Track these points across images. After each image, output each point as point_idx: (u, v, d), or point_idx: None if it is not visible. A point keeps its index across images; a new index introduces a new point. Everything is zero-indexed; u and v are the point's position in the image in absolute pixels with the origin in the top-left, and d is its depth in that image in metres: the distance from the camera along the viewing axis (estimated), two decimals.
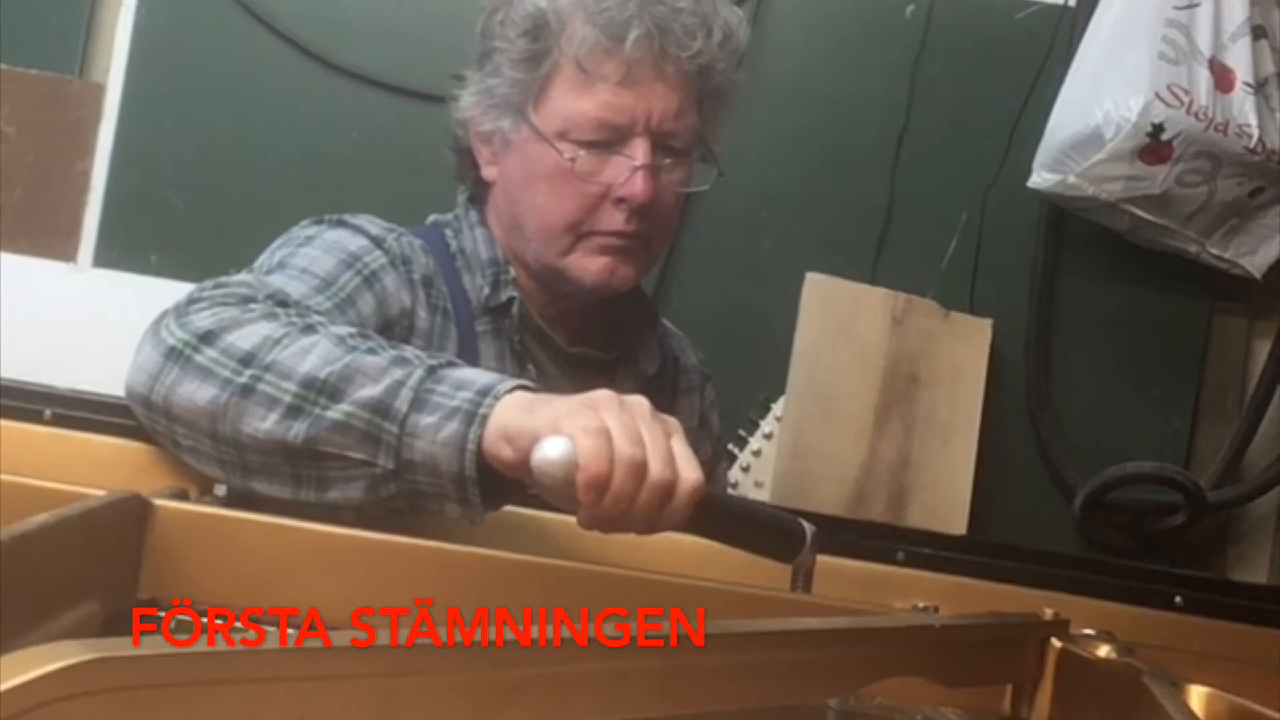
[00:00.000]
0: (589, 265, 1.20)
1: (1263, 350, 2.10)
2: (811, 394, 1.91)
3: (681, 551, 0.91)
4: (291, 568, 0.75)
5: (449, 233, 1.26)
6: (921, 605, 0.92)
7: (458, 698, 0.51)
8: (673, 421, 0.81)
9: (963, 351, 1.97)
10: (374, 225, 1.19)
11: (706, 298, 1.99)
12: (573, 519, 0.89)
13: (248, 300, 0.93)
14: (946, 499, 1.93)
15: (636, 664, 0.58)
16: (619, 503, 0.76)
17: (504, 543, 0.82)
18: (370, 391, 0.83)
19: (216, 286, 0.96)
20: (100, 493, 0.72)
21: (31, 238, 1.95)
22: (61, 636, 0.44)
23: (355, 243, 1.15)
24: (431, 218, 1.29)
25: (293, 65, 1.99)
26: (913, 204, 2.05)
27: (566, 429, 0.76)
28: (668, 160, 1.20)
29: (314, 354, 0.85)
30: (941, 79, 2.06)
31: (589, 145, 1.16)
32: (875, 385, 1.93)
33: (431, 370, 0.84)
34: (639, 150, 1.16)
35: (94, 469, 0.86)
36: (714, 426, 1.51)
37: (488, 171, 1.25)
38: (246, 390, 0.85)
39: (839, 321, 1.93)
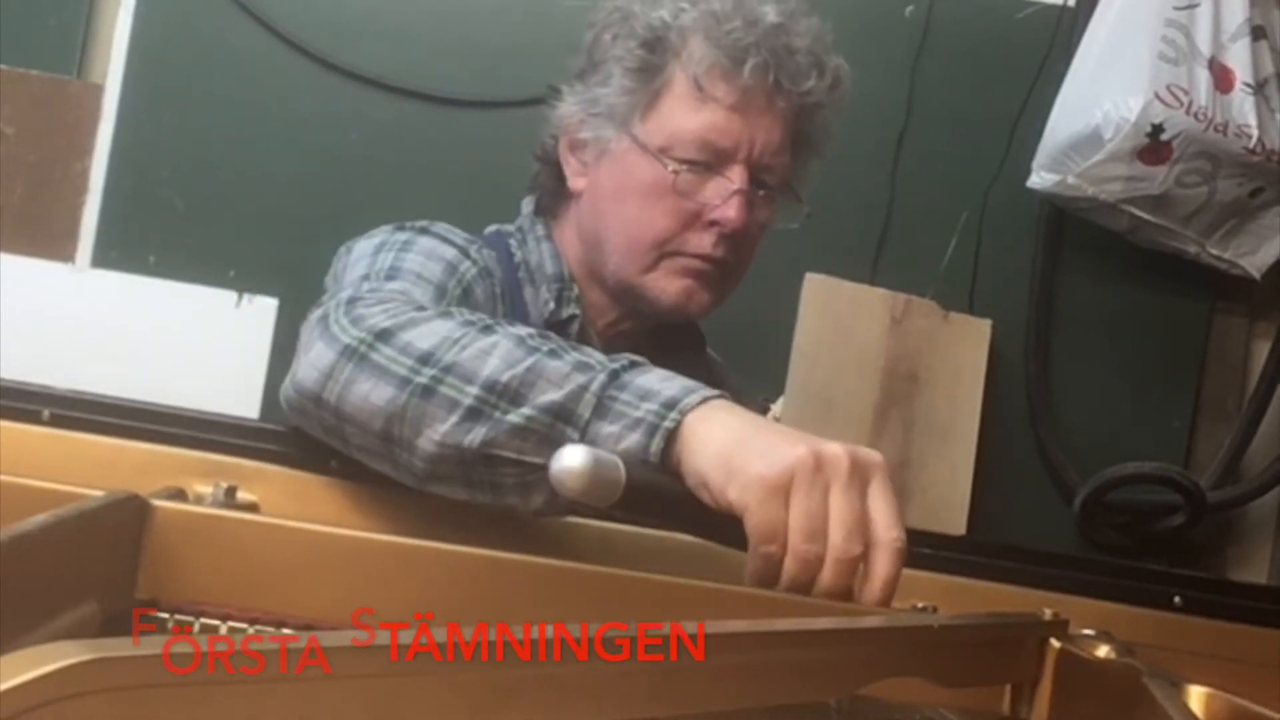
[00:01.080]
0: (668, 286, 1.20)
1: (1262, 350, 2.10)
2: (811, 394, 1.91)
3: (681, 552, 0.91)
4: (291, 568, 0.75)
5: (513, 243, 1.25)
6: (921, 605, 0.92)
7: (457, 698, 0.51)
8: (871, 461, 0.76)
9: (962, 352, 1.97)
10: (454, 234, 1.18)
11: None
12: (572, 519, 0.90)
13: (415, 302, 0.92)
14: (946, 499, 1.93)
15: (636, 664, 0.58)
16: (795, 585, 0.74)
17: (504, 543, 0.82)
18: (552, 396, 0.80)
19: (371, 291, 0.94)
20: (99, 493, 0.72)
21: (30, 238, 1.95)
22: (61, 636, 0.44)
23: (448, 251, 1.14)
24: (492, 227, 1.29)
25: (292, 65, 1.99)
26: (912, 204, 2.06)
27: (747, 524, 0.74)
28: (760, 193, 1.20)
29: (495, 355, 0.83)
30: (941, 79, 2.06)
31: (689, 164, 1.17)
32: (875, 385, 1.93)
33: (615, 375, 0.81)
34: (738, 176, 1.17)
35: (93, 469, 0.86)
36: None
37: (575, 182, 1.24)
38: (427, 392, 0.82)
39: (839, 322, 1.93)
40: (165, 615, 0.73)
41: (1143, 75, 1.84)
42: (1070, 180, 1.91)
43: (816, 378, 1.91)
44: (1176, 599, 0.98)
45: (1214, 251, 2.01)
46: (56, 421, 0.88)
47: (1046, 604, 0.88)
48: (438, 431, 0.81)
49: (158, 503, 0.74)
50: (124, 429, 0.90)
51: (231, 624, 0.73)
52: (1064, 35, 2.03)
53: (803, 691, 0.70)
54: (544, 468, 0.79)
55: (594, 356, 0.85)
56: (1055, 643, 0.83)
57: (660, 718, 0.59)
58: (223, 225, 1.97)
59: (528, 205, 1.30)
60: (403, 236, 1.15)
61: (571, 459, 0.73)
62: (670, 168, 1.16)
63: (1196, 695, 0.81)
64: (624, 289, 1.22)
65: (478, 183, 1.93)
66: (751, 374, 1.90)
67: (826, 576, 0.74)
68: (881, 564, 0.75)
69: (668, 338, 1.31)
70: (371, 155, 2.00)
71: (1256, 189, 1.95)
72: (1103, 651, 0.81)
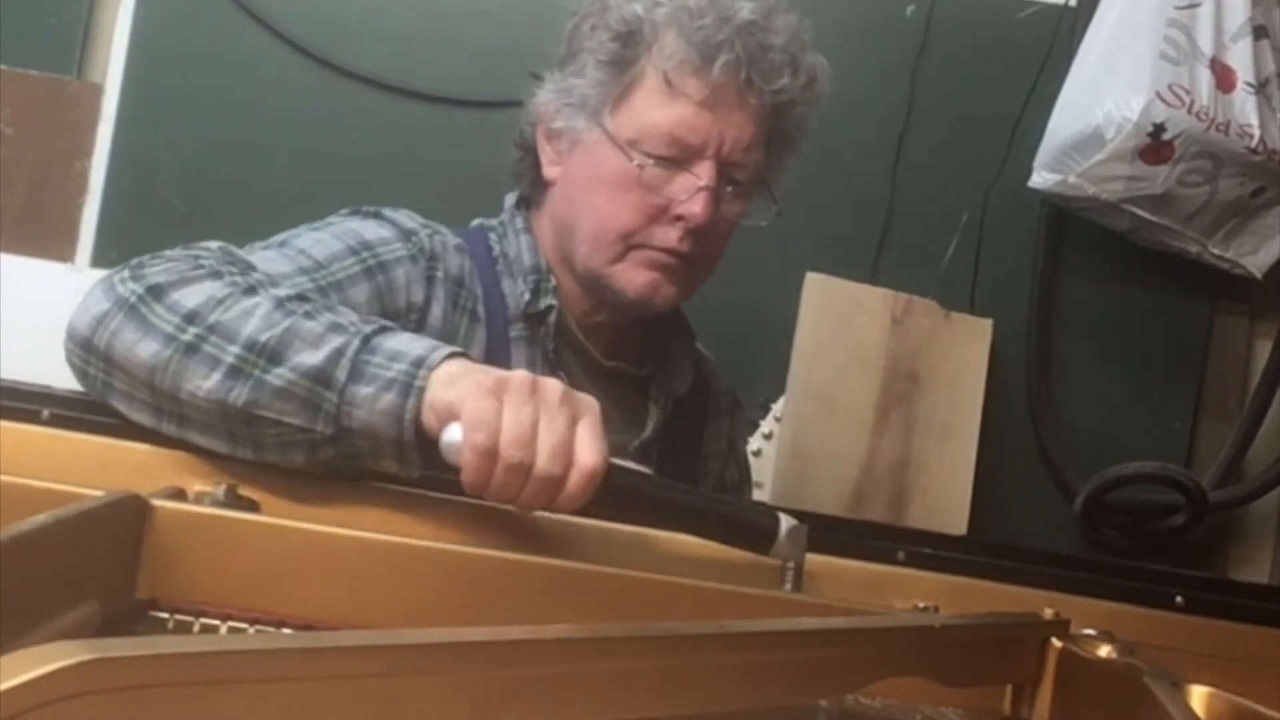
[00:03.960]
0: (634, 278, 1.20)
1: (1264, 350, 2.10)
2: (811, 394, 1.91)
3: (681, 552, 0.91)
4: (291, 568, 0.75)
5: (493, 237, 1.27)
6: (922, 605, 0.92)
7: (458, 698, 0.51)
8: (586, 402, 0.83)
9: (963, 351, 1.97)
10: (409, 220, 1.20)
11: (706, 297, 1.98)
12: (572, 519, 0.89)
13: (201, 260, 0.95)
14: (946, 499, 1.93)
15: (636, 664, 0.58)
16: (502, 492, 0.80)
17: (503, 543, 0.82)
18: (309, 359, 0.85)
19: (182, 248, 0.98)
20: (99, 493, 0.72)
21: (30, 238, 1.95)
22: (61, 636, 0.44)
23: (375, 233, 1.16)
24: (476, 221, 1.30)
25: (293, 65, 1.99)
26: (913, 204, 2.05)
27: (461, 416, 0.80)
28: (729, 189, 1.20)
29: (255, 316, 0.87)
30: (942, 79, 2.06)
31: (658, 159, 1.17)
32: (875, 385, 1.93)
33: (366, 339, 0.86)
34: (706, 172, 1.17)
35: (93, 469, 0.86)
36: (740, 452, 1.51)
37: (550, 171, 1.25)
38: (190, 349, 0.86)
39: (839, 321, 1.93)
40: (165, 615, 0.73)
41: (1144, 75, 1.84)
42: (1071, 180, 1.91)
43: (817, 378, 1.91)
44: (1178, 599, 0.98)
45: (1215, 251, 2.00)
46: (56, 421, 0.88)
47: (1048, 604, 0.88)
48: (201, 388, 0.85)
49: (158, 503, 0.74)
50: (124, 429, 0.90)
51: (232, 624, 0.73)
52: (1065, 35, 2.03)
53: (803, 691, 0.70)
54: (303, 429, 0.85)
55: (347, 317, 0.90)
56: (1056, 642, 0.83)
57: (660, 718, 0.59)
58: (223, 225, 1.95)
59: (510, 200, 1.31)
60: (333, 218, 1.19)
61: (454, 434, 0.79)
62: (636, 161, 1.17)
63: (1198, 695, 0.81)
64: (592, 278, 1.22)
65: (477, 182, 1.92)
66: (751, 374, 1.90)
67: (528, 490, 0.80)
68: (574, 482, 0.80)
69: (656, 331, 1.31)
70: (371, 155, 1.99)
71: (1258, 189, 1.94)
72: (1104, 651, 0.81)
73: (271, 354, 0.85)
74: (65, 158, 1.97)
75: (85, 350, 0.90)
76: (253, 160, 1.98)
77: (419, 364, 0.84)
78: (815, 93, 1.23)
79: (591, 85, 1.19)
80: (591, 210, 1.20)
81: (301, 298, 0.91)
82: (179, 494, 0.83)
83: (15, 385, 0.89)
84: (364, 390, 0.84)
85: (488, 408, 0.79)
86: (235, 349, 0.86)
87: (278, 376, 0.85)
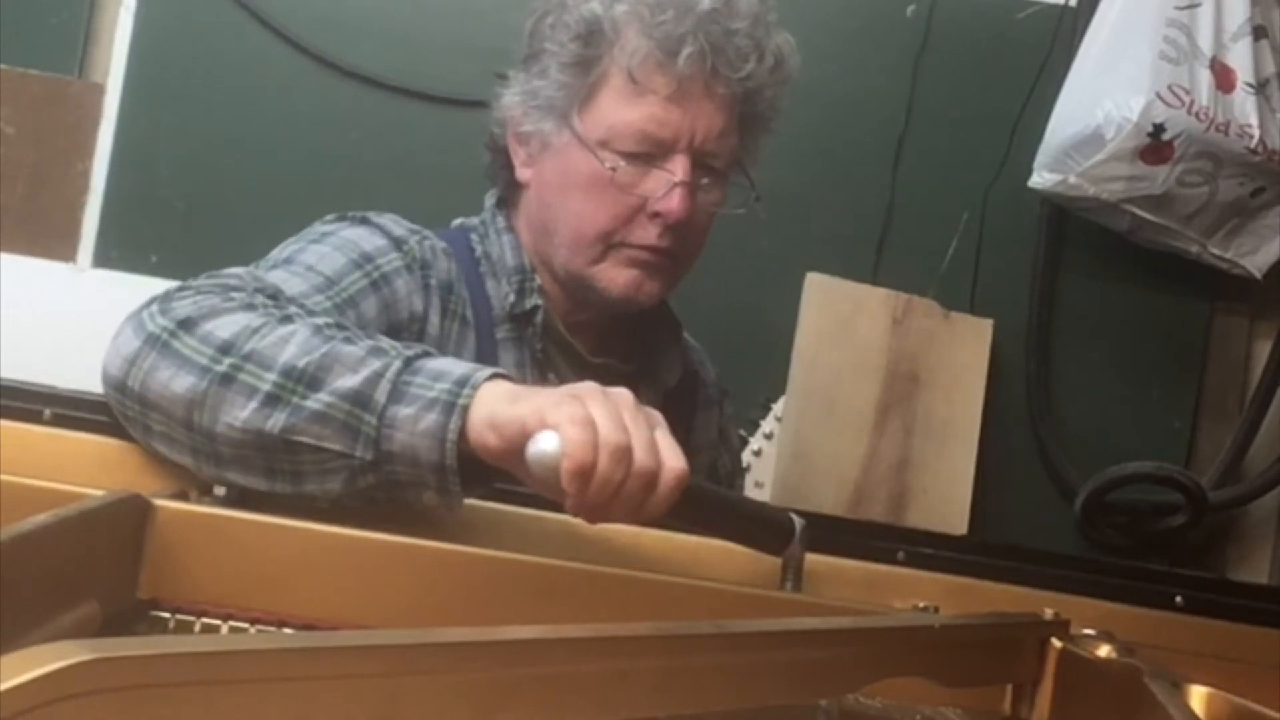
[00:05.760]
0: (616, 277, 1.19)
1: (1263, 350, 2.10)
2: (811, 394, 1.91)
3: (680, 551, 0.91)
4: (291, 568, 0.75)
5: (474, 237, 1.26)
6: (922, 605, 0.92)
7: (458, 698, 0.52)
8: (656, 414, 0.81)
9: (963, 351, 1.97)
10: (398, 226, 1.18)
11: (706, 297, 1.98)
12: (574, 519, 0.90)
13: (232, 290, 0.93)
14: (947, 499, 1.93)
15: (636, 664, 0.58)
16: (604, 489, 0.75)
17: (504, 543, 0.82)
18: (348, 382, 0.82)
19: (207, 278, 0.96)
20: (100, 493, 0.72)
21: (31, 238, 1.95)
22: (61, 636, 0.44)
23: (371, 243, 1.14)
24: (457, 221, 1.29)
25: (293, 65, 1.99)
26: (913, 204, 2.05)
27: (552, 419, 0.75)
28: (705, 180, 1.19)
29: (293, 343, 0.85)
30: (942, 79, 2.06)
31: (630, 157, 1.16)
32: (875, 385, 1.93)
33: (408, 361, 0.84)
34: (679, 167, 1.16)
35: (94, 469, 0.86)
36: (732, 441, 1.50)
37: (522, 173, 1.24)
38: (226, 379, 0.84)
39: (839, 321, 1.93)
40: (167, 614, 0.73)
41: (1144, 75, 1.84)
42: (1071, 180, 1.91)
43: (817, 378, 1.91)
44: (1178, 599, 0.98)
45: (1215, 251, 2.00)
46: (58, 421, 0.88)
47: (1048, 604, 0.88)
48: (238, 418, 0.83)
49: (159, 502, 0.75)
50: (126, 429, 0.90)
51: (233, 623, 0.73)
52: (1065, 35, 2.03)
53: (803, 691, 0.70)
54: (341, 454, 0.82)
55: (386, 342, 0.87)
56: (1056, 642, 0.84)
57: (660, 718, 0.59)
58: (224, 225, 1.96)
59: (490, 199, 1.30)
60: (326, 228, 1.16)
61: (547, 443, 0.75)
62: (608, 164, 1.16)
63: (1197, 695, 0.82)
64: (574, 279, 1.22)
65: (477, 182, 1.93)
66: (751, 374, 1.91)
67: (627, 489, 0.76)
68: (665, 484, 0.77)
69: (642, 325, 1.30)
70: (371, 155, 1.99)
71: (1258, 189, 1.94)
72: (1104, 651, 0.81)
73: (310, 379, 0.83)
74: (66, 158, 1.97)
75: (120, 393, 0.87)
76: (253, 160, 1.98)
77: (463, 383, 0.81)
78: (784, 73, 1.22)
79: (556, 87, 1.18)
80: (567, 213, 1.19)
81: (339, 325, 0.89)
82: (180, 494, 0.83)
83: (16, 385, 0.89)
84: (404, 411, 0.81)
85: (578, 409, 0.76)
86: (273, 376, 0.83)
87: (316, 401, 0.82)
